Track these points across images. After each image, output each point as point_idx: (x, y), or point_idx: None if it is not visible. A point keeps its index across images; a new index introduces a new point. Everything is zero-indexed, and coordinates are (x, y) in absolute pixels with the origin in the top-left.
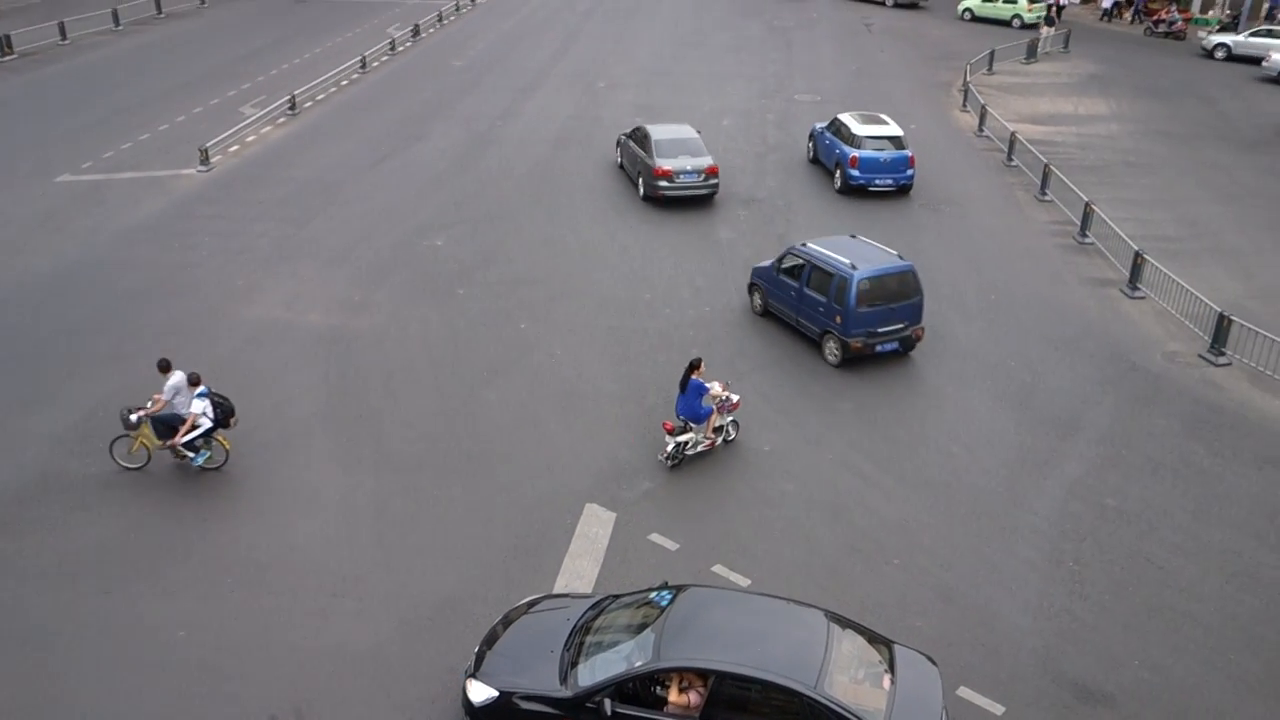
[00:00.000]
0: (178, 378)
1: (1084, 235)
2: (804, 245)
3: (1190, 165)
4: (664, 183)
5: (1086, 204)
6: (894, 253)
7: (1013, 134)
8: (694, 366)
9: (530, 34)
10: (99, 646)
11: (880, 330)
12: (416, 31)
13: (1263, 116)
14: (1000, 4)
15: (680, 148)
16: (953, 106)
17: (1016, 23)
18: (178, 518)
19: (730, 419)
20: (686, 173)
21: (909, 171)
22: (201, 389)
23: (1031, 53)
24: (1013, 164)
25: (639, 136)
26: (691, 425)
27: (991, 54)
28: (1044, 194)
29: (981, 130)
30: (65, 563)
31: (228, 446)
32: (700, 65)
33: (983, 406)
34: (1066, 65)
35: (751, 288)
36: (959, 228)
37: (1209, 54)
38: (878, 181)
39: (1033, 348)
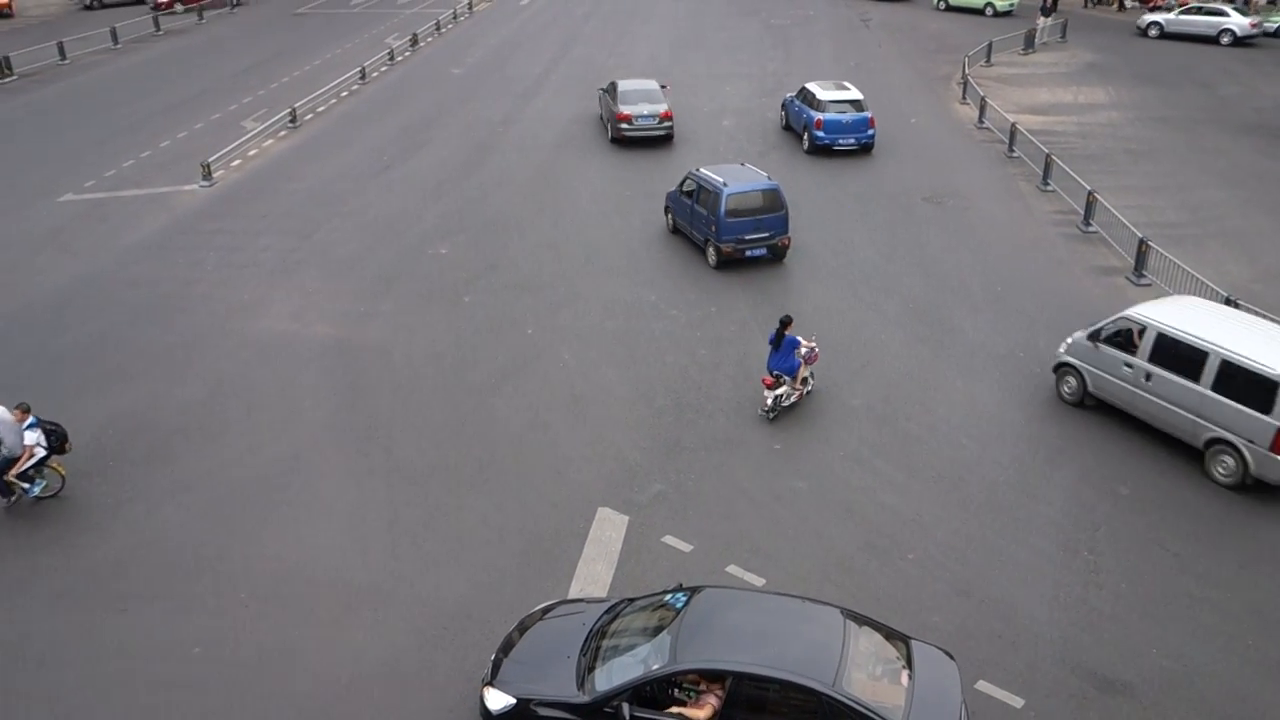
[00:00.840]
0: (1, 413)
1: (1088, 224)
2: (697, 170)
3: (1191, 151)
4: (624, 125)
5: (1089, 193)
6: (764, 174)
7: (1013, 125)
8: (786, 324)
9: (528, 39)
10: (114, 666)
11: (748, 238)
12: (415, 41)
13: (1262, 100)
14: None
15: (641, 96)
16: (952, 99)
17: (989, 10)
18: (190, 533)
19: (810, 370)
20: (643, 116)
21: (870, 131)
22: (30, 419)
23: (1029, 43)
24: (1014, 155)
25: (610, 88)
26: (785, 379)
27: (989, 45)
28: (1046, 184)
29: (982, 122)
30: (80, 582)
31: (63, 473)
32: (699, 65)
33: (992, 398)
34: (1064, 55)
35: (666, 210)
36: (963, 220)
37: (1143, 33)
38: (841, 141)
39: (1040, 338)
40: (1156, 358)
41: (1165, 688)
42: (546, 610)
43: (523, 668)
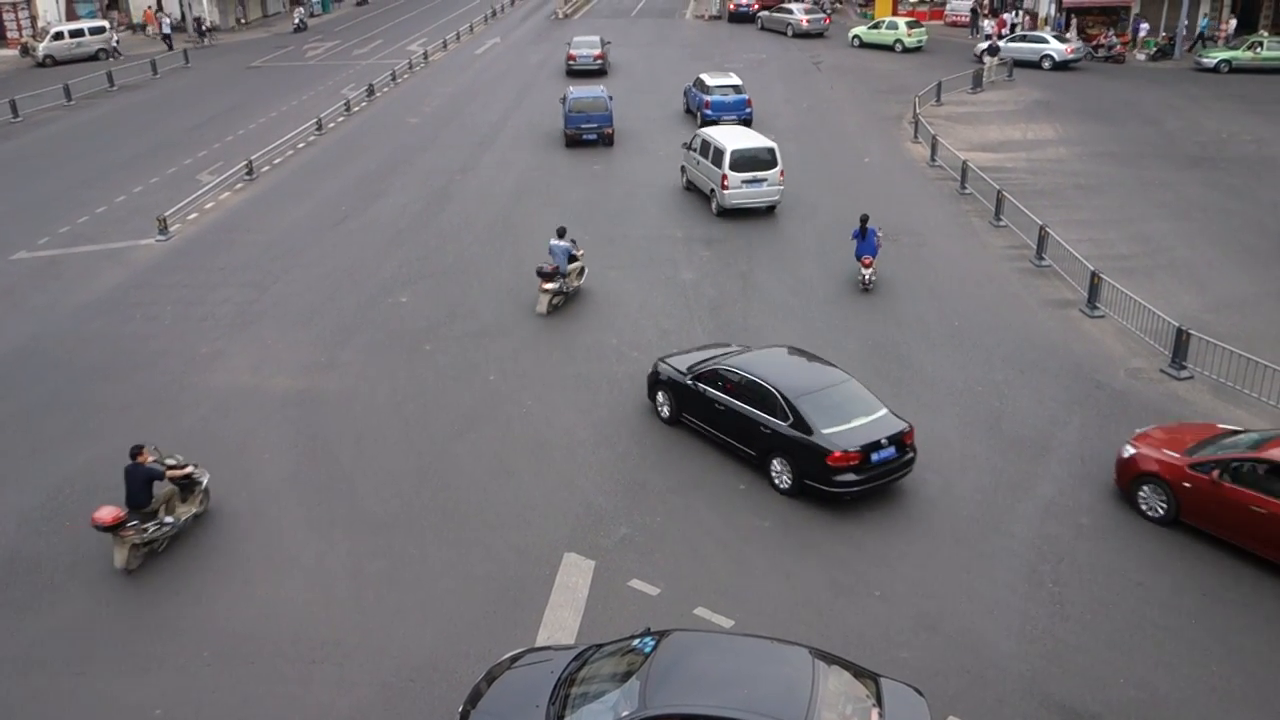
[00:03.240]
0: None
1: (1041, 258)
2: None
3: (1138, 184)
4: (570, 62)
5: (1041, 227)
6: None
7: (964, 163)
8: (865, 219)
9: (484, 88)
10: None
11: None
12: (371, 91)
13: (1204, 134)
14: (884, 30)
15: (584, 45)
16: (904, 138)
17: (899, 47)
18: (150, 592)
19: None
20: (583, 56)
21: (747, 110)
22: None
23: (977, 82)
24: (966, 192)
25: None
26: (869, 259)
27: (939, 85)
28: (999, 220)
29: (934, 160)
30: (36, 645)
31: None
32: (653, 110)
33: (953, 433)
34: (1012, 93)
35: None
36: (918, 256)
37: (978, 59)
38: (725, 117)
39: (998, 372)
40: None
41: (1133, 718)
42: (514, 659)
43: (491, 718)
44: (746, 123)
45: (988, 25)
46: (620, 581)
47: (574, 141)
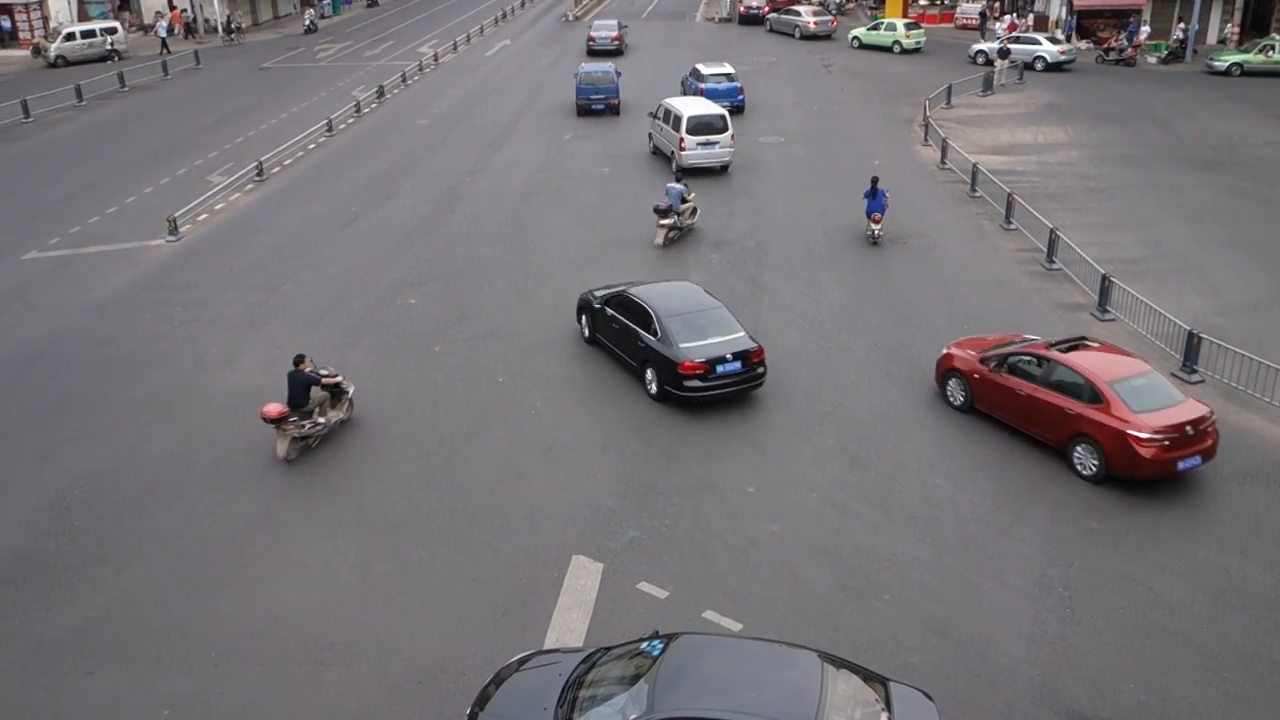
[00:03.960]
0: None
1: (1051, 261)
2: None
3: (1149, 187)
4: (590, 43)
5: (1051, 230)
6: (719, 109)
7: (975, 165)
8: (876, 180)
9: (494, 90)
10: None
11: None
12: (381, 93)
13: (1215, 137)
14: (883, 32)
15: (603, 28)
16: (915, 141)
17: (897, 48)
18: (158, 593)
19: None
20: (602, 37)
21: (740, 97)
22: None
23: (988, 85)
24: (976, 195)
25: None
26: (878, 216)
27: (949, 88)
28: (1009, 223)
29: (944, 163)
30: (45, 646)
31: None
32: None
33: (963, 436)
34: (1023, 96)
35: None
36: (928, 260)
37: (972, 60)
38: (719, 103)
39: None
40: None
41: None
42: (522, 661)
43: None
44: (739, 110)
45: (999, 28)
46: (629, 584)
47: (584, 111)
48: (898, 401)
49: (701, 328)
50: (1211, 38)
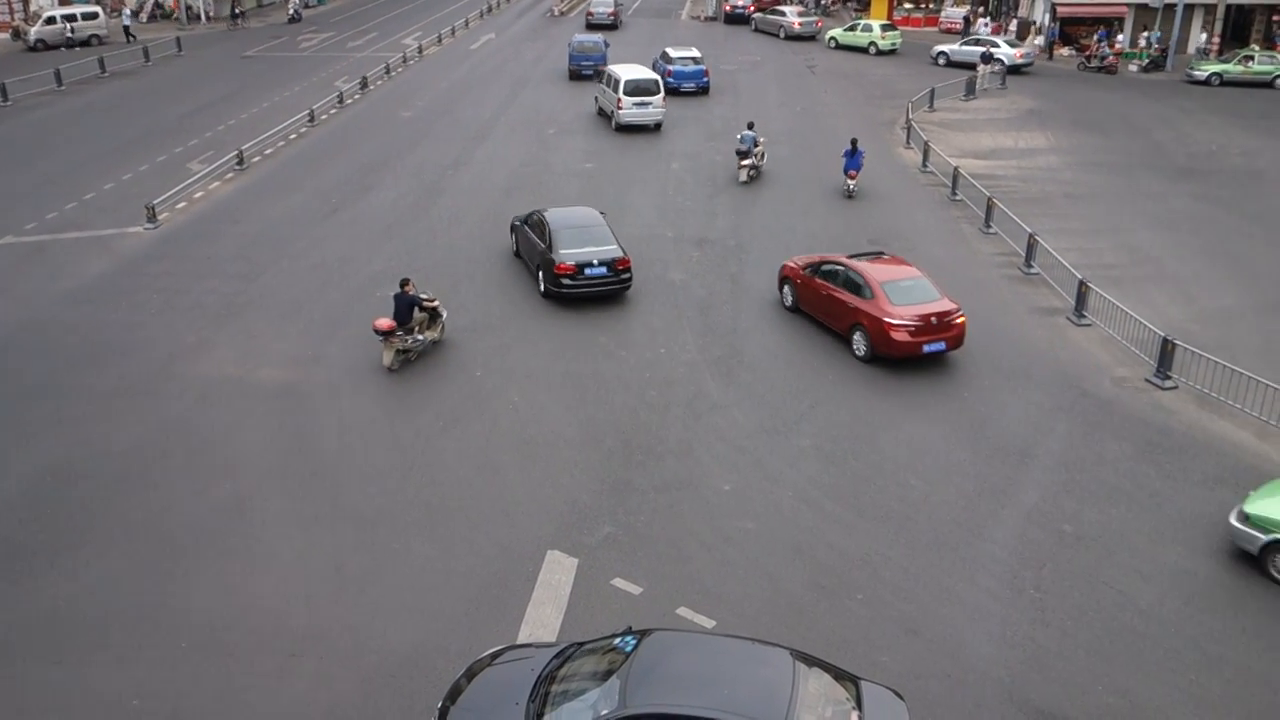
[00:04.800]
0: None
1: (1029, 266)
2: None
3: (1127, 194)
4: (589, 17)
5: (1030, 235)
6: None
7: (955, 169)
8: (856, 141)
9: (478, 84)
10: None
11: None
12: (364, 84)
13: (1194, 145)
14: (859, 33)
15: (601, 4)
16: (897, 144)
17: (873, 49)
18: (129, 582)
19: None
20: (599, 13)
21: (705, 79)
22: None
23: (971, 90)
24: (957, 198)
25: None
26: (854, 173)
27: (932, 92)
28: (988, 227)
29: (925, 166)
30: (13, 634)
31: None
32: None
33: (938, 437)
34: (1005, 101)
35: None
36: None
37: (934, 61)
38: (684, 86)
39: (985, 378)
40: None
41: None
42: (495, 656)
43: (470, 715)
44: (704, 90)
45: (983, 31)
46: (603, 580)
47: (575, 76)
48: (874, 402)
49: (582, 240)
50: (1189, 47)
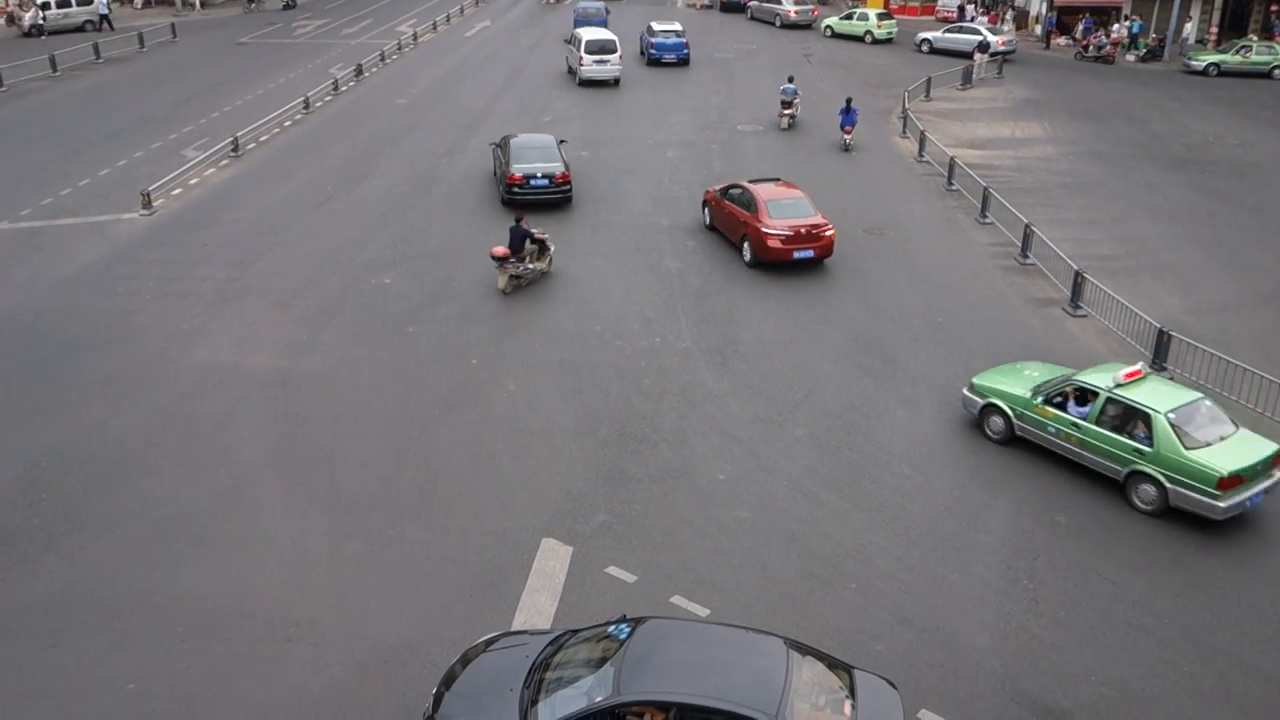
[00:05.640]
0: None
1: (1025, 256)
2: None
3: (1124, 185)
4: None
5: (1026, 225)
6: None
7: (952, 159)
8: (850, 99)
9: (474, 71)
10: (43, 705)
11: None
12: (359, 71)
13: (1190, 136)
14: (855, 21)
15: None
16: (893, 133)
17: (869, 38)
18: (124, 568)
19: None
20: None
21: (685, 51)
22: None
23: (967, 79)
24: (953, 188)
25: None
26: (849, 129)
27: (929, 81)
28: (984, 217)
29: (921, 156)
30: (9, 618)
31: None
32: (644, 97)
33: (933, 428)
34: (1001, 90)
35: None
36: (903, 252)
37: (918, 48)
38: (665, 57)
39: (981, 368)
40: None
41: (1103, 715)
42: (489, 642)
43: (465, 701)
44: (684, 62)
45: (981, 21)
46: (598, 568)
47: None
48: (870, 391)
49: (533, 158)
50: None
